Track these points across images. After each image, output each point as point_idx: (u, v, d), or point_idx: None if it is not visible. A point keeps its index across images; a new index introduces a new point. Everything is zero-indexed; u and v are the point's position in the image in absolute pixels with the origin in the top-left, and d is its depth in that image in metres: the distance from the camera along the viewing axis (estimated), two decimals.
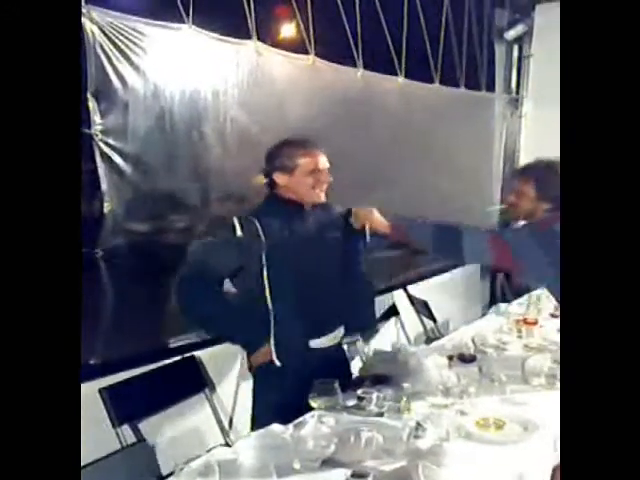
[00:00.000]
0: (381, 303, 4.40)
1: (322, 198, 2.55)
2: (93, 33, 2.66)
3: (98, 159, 2.73)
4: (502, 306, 3.97)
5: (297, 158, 2.49)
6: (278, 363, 2.50)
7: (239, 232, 2.42)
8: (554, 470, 2.20)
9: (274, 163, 2.52)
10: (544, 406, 2.47)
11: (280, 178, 2.51)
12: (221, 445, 2.75)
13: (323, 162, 2.52)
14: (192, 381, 3.01)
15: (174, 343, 3.10)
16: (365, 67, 4.23)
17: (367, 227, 2.61)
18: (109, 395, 2.60)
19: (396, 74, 4.59)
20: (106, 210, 2.76)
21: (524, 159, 6.25)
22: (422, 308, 4.54)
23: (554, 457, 2.28)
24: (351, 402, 2.43)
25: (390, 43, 4.44)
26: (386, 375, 2.60)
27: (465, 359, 2.89)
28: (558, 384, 2.62)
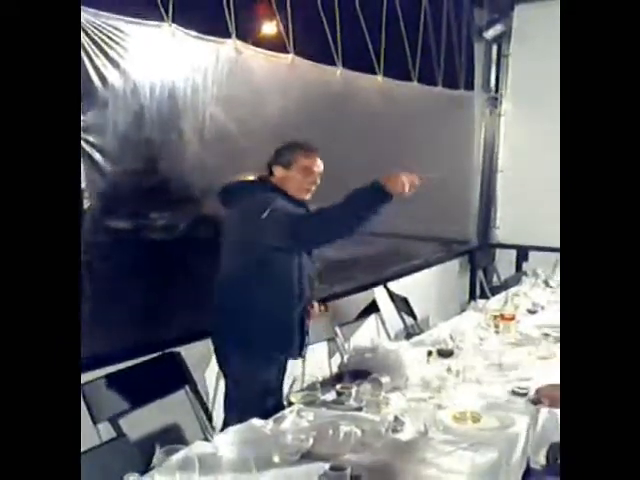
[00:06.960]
0: (362, 299, 4.43)
1: (307, 197, 2.82)
2: None
3: None
4: (480, 302, 4.03)
5: (297, 156, 2.79)
6: None
7: None
8: None
9: (277, 157, 2.82)
10: (520, 400, 2.52)
11: (278, 171, 2.80)
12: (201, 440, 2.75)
13: (318, 165, 2.82)
14: (172, 377, 3.01)
15: (154, 339, 3.10)
16: (344, 66, 4.23)
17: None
18: (89, 391, 2.60)
19: (375, 73, 4.61)
20: (85, 207, 2.76)
21: (503, 156, 6.32)
22: (402, 305, 4.57)
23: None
24: (330, 397, 2.46)
25: (369, 42, 4.47)
26: (365, 370, 2.63)
27: (443, 354, 2.93)
28: None
